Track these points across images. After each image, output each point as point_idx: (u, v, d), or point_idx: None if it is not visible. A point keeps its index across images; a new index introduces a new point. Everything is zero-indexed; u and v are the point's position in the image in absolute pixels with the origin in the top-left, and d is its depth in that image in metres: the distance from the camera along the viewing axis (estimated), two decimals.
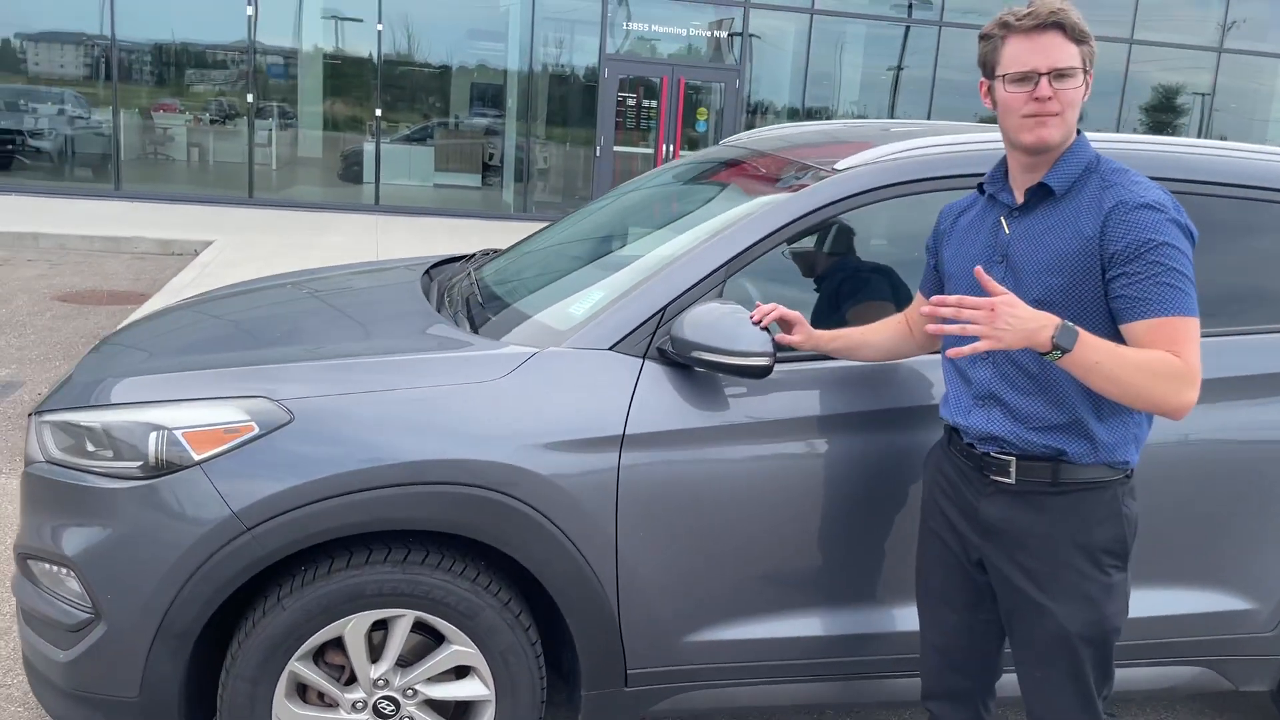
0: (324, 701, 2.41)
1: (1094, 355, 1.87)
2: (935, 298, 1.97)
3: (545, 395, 2.35)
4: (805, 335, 2.39)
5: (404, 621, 2.35)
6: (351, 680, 2.40)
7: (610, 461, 2.35)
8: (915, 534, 2.37)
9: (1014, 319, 1.85)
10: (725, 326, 2.29)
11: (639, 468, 2.36)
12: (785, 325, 2.39)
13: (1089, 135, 2.16)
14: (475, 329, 2.66)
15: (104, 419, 2.32)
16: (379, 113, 13.55)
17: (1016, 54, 1.97)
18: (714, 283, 2.47)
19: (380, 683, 2.39)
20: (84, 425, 2.34)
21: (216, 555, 2.22)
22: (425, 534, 2.37)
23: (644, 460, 2.37)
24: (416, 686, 2.41)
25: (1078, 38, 1.97)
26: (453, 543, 2.38)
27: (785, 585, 2.52)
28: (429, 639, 2.42)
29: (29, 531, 2.41)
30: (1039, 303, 1.96)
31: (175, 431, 2.25)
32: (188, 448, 2.24)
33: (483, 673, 2.41)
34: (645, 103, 14.03)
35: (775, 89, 15.10)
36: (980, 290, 1.97)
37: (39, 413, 2.47)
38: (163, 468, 2.25)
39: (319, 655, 2.39)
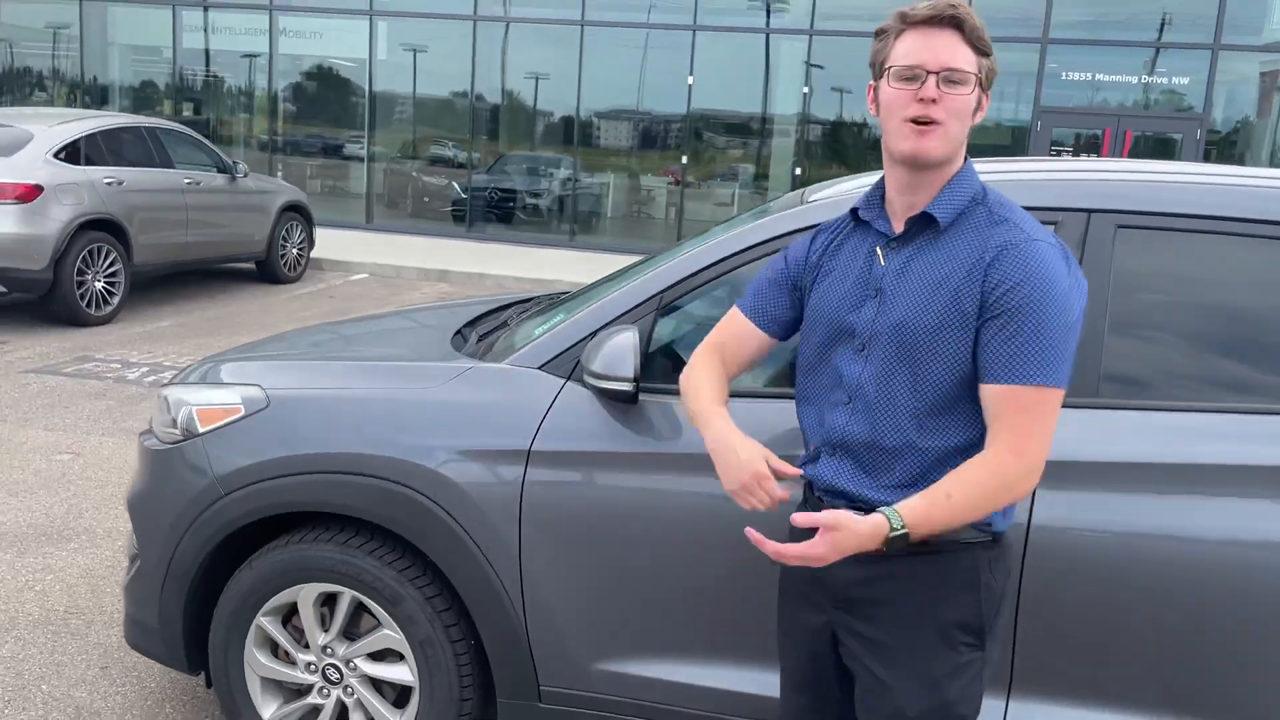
0: (288, 659, 2.74)
1: (933, 522, 1.70)
2: (754, 537, 1.73)
3: (467, 406, 2.50)
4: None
5: (346, 597, 2.62)
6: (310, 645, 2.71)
7: (515, 475, 2.43)
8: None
9: (843, 545, 1.68)
10: (608, 352, 2.29)
11: (542, 484, 2.42)
12: None
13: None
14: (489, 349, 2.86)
15: (173, 394, 2.88)
16: (798, 171, 14.01)
17: (907, 48, 1.76)
18: (645, 310, 2.46)
19: (327, 651, 2.67)
20: (169, 399, 2.91)
21: (205, 513, 2.65)
22: (371, 522, 2.61)
23: (547, 478, 2.42)
24: (356, 661, 2.66)
25: (977, 45, 1.76)
26: (390, 533, 2.60)
27: (699, 630, 2.41)
28: (376, 620, 2.65)
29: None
30: (901, 343, 1.77)
31: (193, 408, 2.74)
32: (197, 422, 2.72)
33: (409, 659, 2.59)
34: (1083, 157, 12.99)
35: (1252, 138, 13.21)
36: (836, 340, 1.87)
37: (161, 388, 3.10)
38: (186, 437, 2.74)
39: (289, 618, 2.73)
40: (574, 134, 14.94)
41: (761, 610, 2.33)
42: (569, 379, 2.47)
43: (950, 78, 1.72)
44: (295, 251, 11.01)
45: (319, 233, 13.11)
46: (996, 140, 13.61)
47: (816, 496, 1.92)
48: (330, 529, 2.63)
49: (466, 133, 15.33)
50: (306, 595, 2.63)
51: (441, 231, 15.22)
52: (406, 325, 3.37)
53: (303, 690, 2.76)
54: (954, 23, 1.74)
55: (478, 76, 15.00)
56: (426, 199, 15.97)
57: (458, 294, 10.94)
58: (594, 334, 2.45)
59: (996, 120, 13.71)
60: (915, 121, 1.74)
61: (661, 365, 2.54)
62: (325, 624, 2.68)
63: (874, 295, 1.84)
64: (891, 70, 1.77)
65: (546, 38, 14.75)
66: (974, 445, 1.76)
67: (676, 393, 2.40)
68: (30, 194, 7.75)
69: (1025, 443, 1.69)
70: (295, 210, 10.96)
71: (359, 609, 2.66)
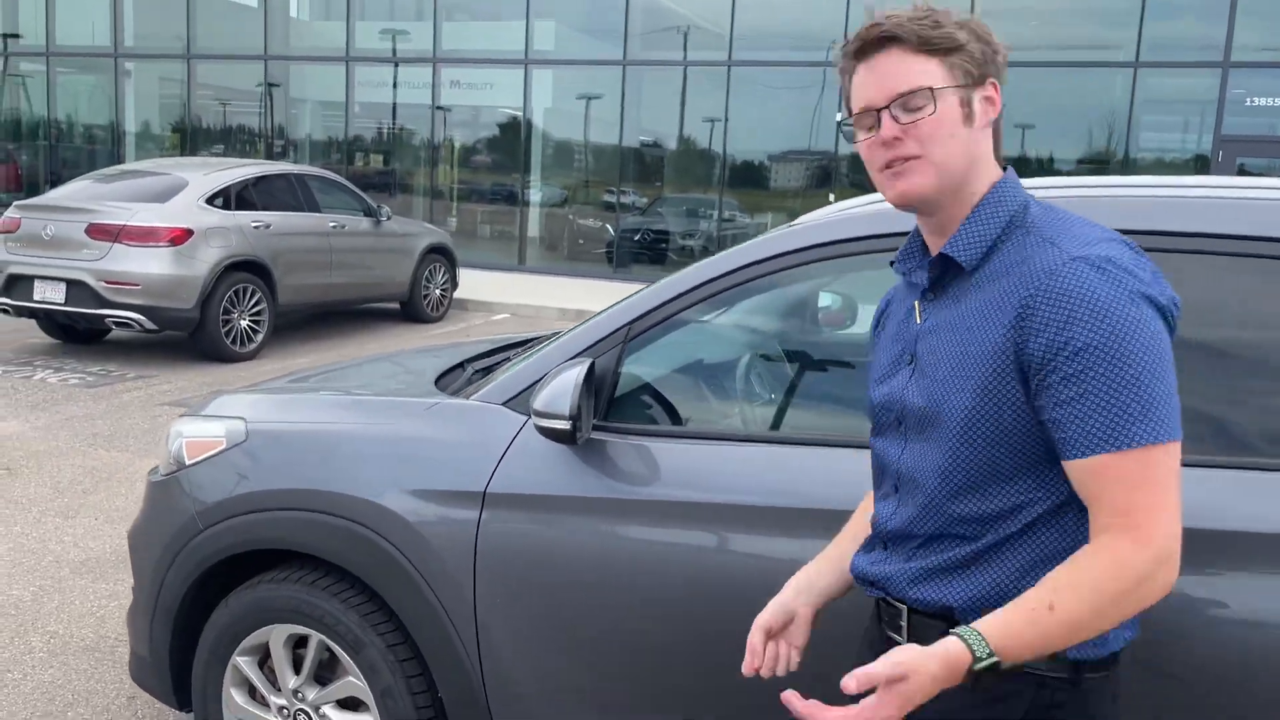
0: (264, 701, 2.66)
1: (1031, 644, 1.28)
2: (790, 702, 1.30)
3: (426, 442, 2.37)
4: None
5: (314, 640, 2.52)
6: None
7: (470, 517, 2.28)
8: (830, 668, 1.89)
9: (914, 695, 1.24)
10: (551, 389, 2.12)
11: (497, 529, 2.26)
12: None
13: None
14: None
15: (175, 426, 2.87)
16: None
17: (857, 88, 1.45)
18: (610, 344, 2.27)
19: (298, 695, 2.58)
20: (170, 431, 2.91)
21: (186, 547, 2.62)
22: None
23: (503, 522, 2.25)
24: (324, 708, 2.55)
25: (931, 47, 1.39)
26: (356, 576, 2.49)
27: (665, 696, 2.17)
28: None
29: None
30: (930, 421, 1.43)
31: (184, 440, 2.72)
32: (184, 454, 2.69)
33: (373, 709, 2.46)
34: None
35: None
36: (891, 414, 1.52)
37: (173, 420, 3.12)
38: (178, 468, 2.73)
39: (266, 659, 2.65)
40: (724, 176, 14.86)
41: (735, 673, 2.09)
42: (531, 416, 2.30)
43: (906, 105, 1.39)
44: (438, 292, 11.30)
45: (470, 274, 13.49)
46: (1175, 174, 12.66)
47: (881, 622, 1.56)
48: (304, 568, 2.54)
49: (616, 176, 15.48)
50: (277, 636, 2.55)
51: (590, 273, 15.38)
52: (427, 361, 3.28)
53: None
54: (891, 40, 1.40)
55: (627, 121, 15.15)
56: (581, 241, 16.21)
57: None
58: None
59: (1174, 153, 12.79)
60: (888, 167, 1.42)
61: (630, 403, 2.34)
62: (300, 667, 2.59)
63: (909, 362, 1.50)
64: (851, 123, 1.46)
65: (694, 80, 14.77)
66: (1042, 519, 1.38)
67: (644, 432, 2.23)
68: (181, 237, 8.23)
69: (1146, 522, 1.28)
70: (438, 252, 11.26)
71: (334, 653, 2.55)
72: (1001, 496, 1.39)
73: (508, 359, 2.92)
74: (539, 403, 2.11)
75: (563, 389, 2.10)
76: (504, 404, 2.35)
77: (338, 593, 2.46)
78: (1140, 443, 1.28)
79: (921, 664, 1.24)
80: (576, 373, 2.11)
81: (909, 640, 1.45)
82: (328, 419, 2.54)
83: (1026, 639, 1.27)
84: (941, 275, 1.47)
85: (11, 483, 5.36)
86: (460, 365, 2.95)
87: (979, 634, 1.26)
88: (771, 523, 2.05)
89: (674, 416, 2.41)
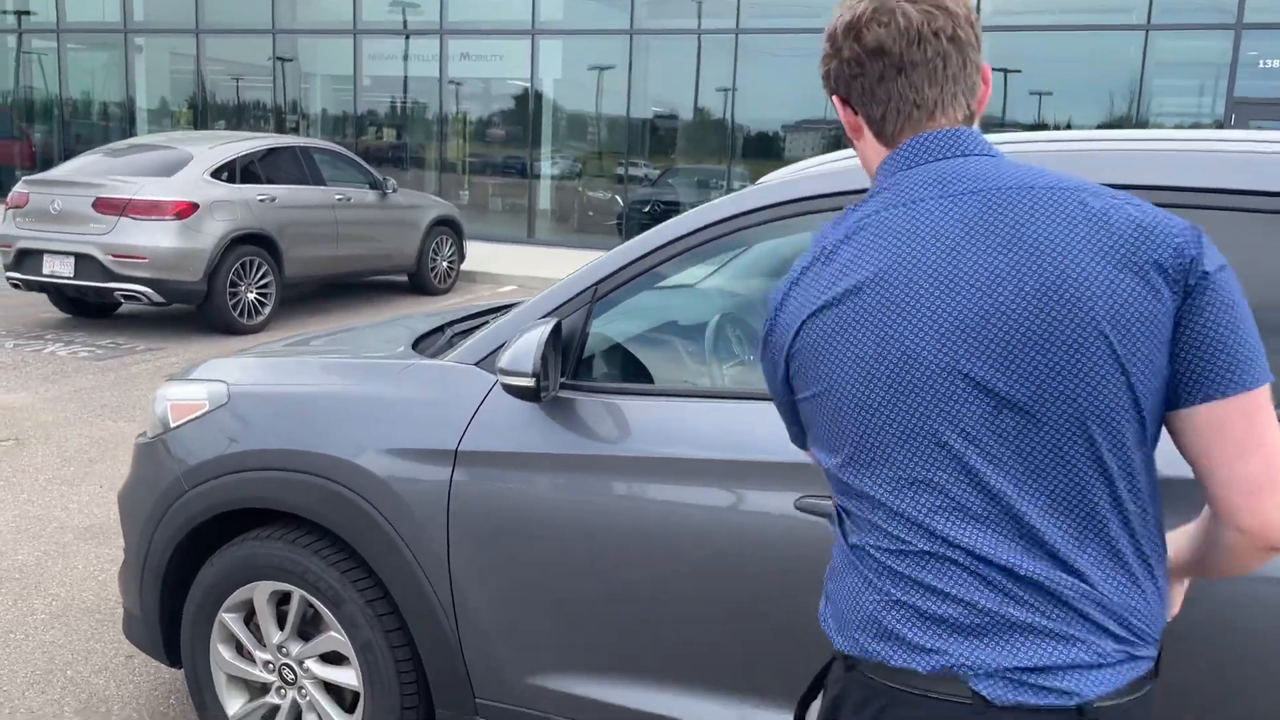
0: (250, 657, 2.72)
1: None
2: None
3: (401, 403, 2.42)
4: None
5: (297, 596, 2.58)
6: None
7: (443, 475, 2.32)
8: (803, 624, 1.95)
9: None
10: (515, 348, 2.15)
11: (468, 486, 2.30)
12: None
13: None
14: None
15: (161, 390, 2.93)
16: None
17: None
18: (578, 304, 2.30)
19: (282, 650, 2.64)
20: (157, 395, 2.96)
21: (172, 507, 2.68)
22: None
23: (474, 479, 2.30)
24: (308, 662, 2.61)
25: None
26: (335, 534, 2.54)
27: (632, 649, 2.22)
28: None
29: None
30: None
31: (168, 403, 2.77)
32: (170, 417, 2.75)
33: (354, 663, 2.52)
34: None
35: None
36: None
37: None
38: (163, 431, 2.78)
39: (252, 616, 2.71)
40: (733, 146, 14.80)
41: (698, 630, 2.13)
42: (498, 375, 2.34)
43: None
44: (445, 264, 11.35)
45: (480, 247, 13.54)
46: None
47: None
48: (286, 527, 2.60)
49: (625, 147, 15.44)
50: (261, 593, 2.61)
51: (599, 245, 15.38)
52: (414, 326, 3.33)
53: (266, 688, 2.74)
54: None
55: (636, 91, 15.09)
56: (591, 213, 16.19)
57: None
58: None
59: (1187, 116, 12.65)
60: None
61: (599, 362, 2.38)
62: (283, 623, 2.65)
63: None
64: None
65: (703, 49, 14.69)
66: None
67: (612, 390, 2.26)
68: (187, 211, 8.29)
69: None
70: (445, 224, 11.29)
71: (316, 609, 2.61)
72: None
73: (487, 323, 2.96)
74: (504, 361, 2.15)
75: (526, 348, 2.13)
76: (476, 364, 2.39)
77: (318, 550, 2.51)
78: None
79: None
80: (540, 332, 2.14)
81: None
82: (307, 381, 2.58)
83: None
84: None
85: (19, 452, 5.46)
86: (440, 329, 2.99)
87: None
88: (737, 476, 2.08)
89: (643, 375, 2.44)
